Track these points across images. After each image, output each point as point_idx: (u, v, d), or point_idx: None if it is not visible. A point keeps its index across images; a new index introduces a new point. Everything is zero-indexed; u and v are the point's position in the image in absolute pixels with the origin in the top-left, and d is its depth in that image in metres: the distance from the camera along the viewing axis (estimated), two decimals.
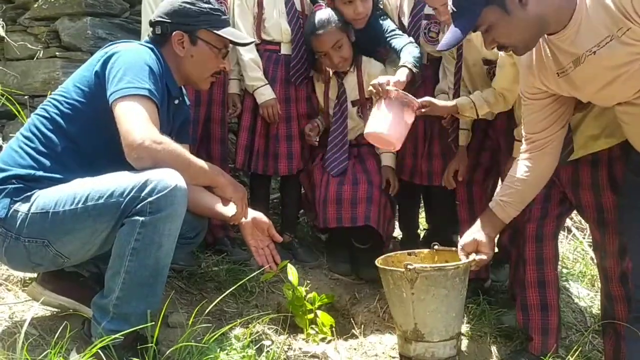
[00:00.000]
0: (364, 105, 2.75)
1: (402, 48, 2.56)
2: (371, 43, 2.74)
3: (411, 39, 2.60)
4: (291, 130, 2.79)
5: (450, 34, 1.62)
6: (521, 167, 1.89)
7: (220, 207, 1.93)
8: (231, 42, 2.04)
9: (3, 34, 3.26)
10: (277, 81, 2.74)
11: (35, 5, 3.19)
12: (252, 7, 2.68)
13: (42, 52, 3.17)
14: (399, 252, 2.26)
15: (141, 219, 1.60)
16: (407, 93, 2.23)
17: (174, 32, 1.93)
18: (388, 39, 2.65)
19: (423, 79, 2.64)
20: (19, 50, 3.22)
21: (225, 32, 1.99)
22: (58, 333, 1.67)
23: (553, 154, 1.86)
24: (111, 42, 1.92)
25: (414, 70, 2.46)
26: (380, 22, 2.70)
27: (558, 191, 2.10)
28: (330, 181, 2.68)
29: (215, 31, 1.97)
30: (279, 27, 2.72)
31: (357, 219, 2.60)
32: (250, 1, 2.68)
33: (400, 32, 2.65)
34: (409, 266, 1.88)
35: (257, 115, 2.74)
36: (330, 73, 2.79)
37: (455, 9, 1.58)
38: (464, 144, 2.56)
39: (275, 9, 2.71)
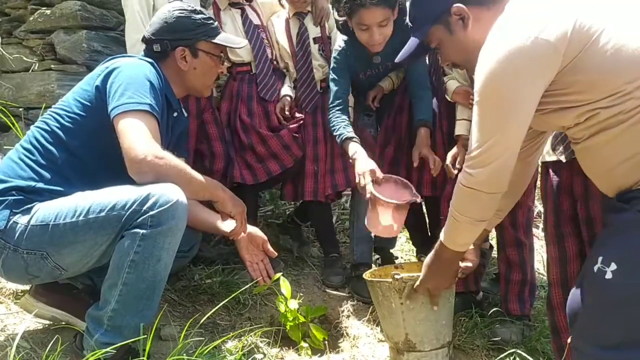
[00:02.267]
0: (326, 42, 2.85)
1: (418, 96, 2.63)
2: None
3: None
4: (284, 140, 2.79)
5: (406, 46, 1.75)
6: None
7: (219, 222, 1.95)
8: (228, 47, 2.10)
9: None
10: (253, 99, 2.77)
11: (31, 18, 3.20)
12: None
13: (37, 64, 3.17)
14: (386, 265, 2.28)
15: (141, 231, 1.61)
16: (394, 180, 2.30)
17: (176, 49, 1.96)
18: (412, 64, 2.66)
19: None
20: (14, 62, 3.23)
21: (221, 39, 2.05)
22: (50, 346, 1.67)
23: (528, 162, 1.85)
24: (111, 57, 1.95)
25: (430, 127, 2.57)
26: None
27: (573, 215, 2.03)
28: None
29: (212, 40, 2.02)
30: (247, 48, 2.73)
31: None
32: None
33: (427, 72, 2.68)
34: (396, 276, 1.91)
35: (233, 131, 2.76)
36: (291, 14, 2.85)
37: (411, 24, 1.72)
38: (464, 134, 2.53)
39: (235, 31, 2.73)
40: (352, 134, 2.46)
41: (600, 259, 1.40)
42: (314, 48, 2.84)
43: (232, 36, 2.21)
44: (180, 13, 1.98)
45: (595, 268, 1.40)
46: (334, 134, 2.52)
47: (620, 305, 1.37)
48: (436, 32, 1.64)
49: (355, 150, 2.38)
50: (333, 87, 2.62)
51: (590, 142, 1.45)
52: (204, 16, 2.03)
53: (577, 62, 1.35)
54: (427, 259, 1.83)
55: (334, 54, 2.67)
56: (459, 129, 2.58)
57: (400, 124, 2.77)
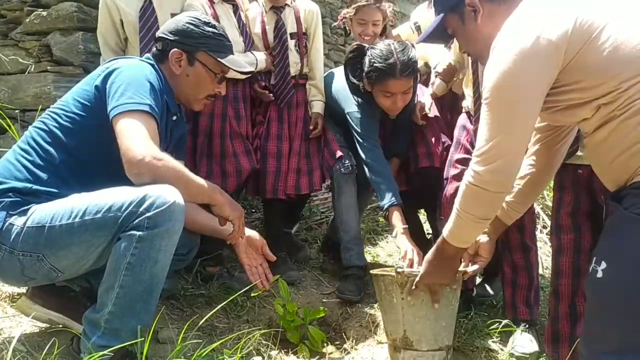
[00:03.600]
0: (301, 38, 2.87)
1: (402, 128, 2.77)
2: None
3: None
4: (246, 146, 2.78)
5: (427, 28, 1.79)
6: (524, 163, 1.85)
7: (217, 226, 1.94)
8: (230, 68, 2.05)
9: None
10: (239, 100, 2.76)
11: (27, 20, 3.19)
12: None
13: (33, 66, 3.16)
14: (392, 266, 2.28)
15: (138, 233, 1.59)
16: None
17: (172, 50, 1.95)
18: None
19: None
20: (10, 64, 3.21)
21: (226, 60, 2.02)
22: (46, 349, 1.65)
23: (555, 150, 1.83)
24: (111, 58, 1.94)
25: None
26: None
27: (586, 219, 2.07)
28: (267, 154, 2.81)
29: (214, 56, 1.99)
30: (240, 49, 2.73)
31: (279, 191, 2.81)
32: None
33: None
34: (399, 269, 1.93)
35: (211, 136, 2.71)
36: (267, 8, 2.86)
37: (434, 8, 1.78)
38: (437, 92, 2.70)
39: (231, 28, 2.71)
40: (390, 201, 2.49)
41: (594, 258, 1.41)
42: (291, 44, 2.85)
43: (239, 60, 2.15)
44: (192, 20, 1.99)
45: (590, 268, 1.41)
46: (381, 203, 2.54)
47: (611, 305, 1.36)
48: (451, 20, 1.69)
49: (397, 230, 2.43)
50: (371, 153, 2.61)
51: (593, 138, 1.47)
52: (216, 31, 2.02)
53: (578, 59, 1.37)
54: (429, 255, 1.84)
55: (356, 118, 2.65)
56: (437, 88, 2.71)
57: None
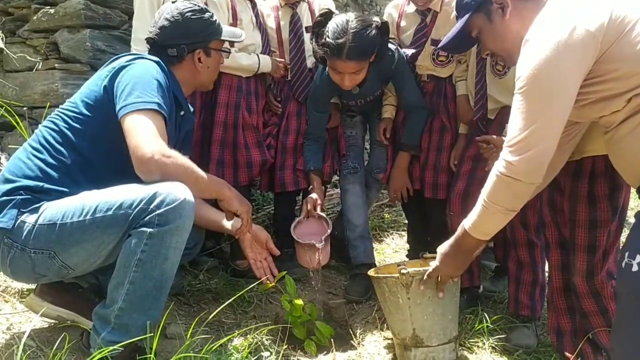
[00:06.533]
0: None
1: (410, 118, 2.72)
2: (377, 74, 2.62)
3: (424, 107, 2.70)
4: (258, 138, 2.78)
5: (449, 33, 1.84)
6: None
7: (225, 221, 1.95)
8: (235, 41, 2.18)
9: (2, 46, 3.28)
10: (252, 94, 2.76)
11: (35, 18, 3.21)
12: (227, 21, 2.64)
13: (41, 63, 3.18)
14: (388, 264, 2.28)
15: (148, 230, 1.61)
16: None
17: (194, 52, 2.00)
18: (401, 91, 2.70)
19: (423, 93, 2.72)
20: (18, 62, 3.23)
21: (227, 35, 2.13)
22: (56, 345, 1.67)
23: (562, 150, 1.81)
24: (117, 56, 1.94)
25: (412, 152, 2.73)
26: (401, 69, 2.63)
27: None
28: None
29: (221, 38, 2.09)
30: (257, 44, 2.75)
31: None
32: (224, 9, 2.63)
33: (418, 93, 2.69)
34: (402, 270, 1.91)
35: (227, 128, 2.69)
36: (282, 4, 2.87)
37: (457, 13, 1.83)
38: (464, 132, 2.67)
39: (250, 22, 2.72)
40: (313, 166, 2.75)
41: (626, 254, 1.41)
42: (306, 37, 2.84)
43: (231, 28, 2.25)
44: (193, 15, 1.99)
45: (623, 264, 1.41)
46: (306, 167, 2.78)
47: None
48: (477, 20, 1.72)
49: (313, 184, 2.71)
50: (310, 120, 2.81)
51: (617, 131, 1.49)
52: (210, 13, 2.05)
53: (612, 51, 1.40)
54: (445, 247, 1.84)
55: (314, 80, 2.70)
56: (462, 128, 2.67)
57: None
